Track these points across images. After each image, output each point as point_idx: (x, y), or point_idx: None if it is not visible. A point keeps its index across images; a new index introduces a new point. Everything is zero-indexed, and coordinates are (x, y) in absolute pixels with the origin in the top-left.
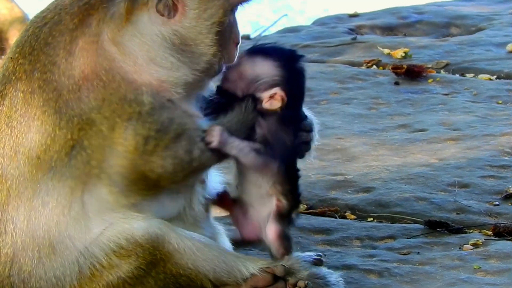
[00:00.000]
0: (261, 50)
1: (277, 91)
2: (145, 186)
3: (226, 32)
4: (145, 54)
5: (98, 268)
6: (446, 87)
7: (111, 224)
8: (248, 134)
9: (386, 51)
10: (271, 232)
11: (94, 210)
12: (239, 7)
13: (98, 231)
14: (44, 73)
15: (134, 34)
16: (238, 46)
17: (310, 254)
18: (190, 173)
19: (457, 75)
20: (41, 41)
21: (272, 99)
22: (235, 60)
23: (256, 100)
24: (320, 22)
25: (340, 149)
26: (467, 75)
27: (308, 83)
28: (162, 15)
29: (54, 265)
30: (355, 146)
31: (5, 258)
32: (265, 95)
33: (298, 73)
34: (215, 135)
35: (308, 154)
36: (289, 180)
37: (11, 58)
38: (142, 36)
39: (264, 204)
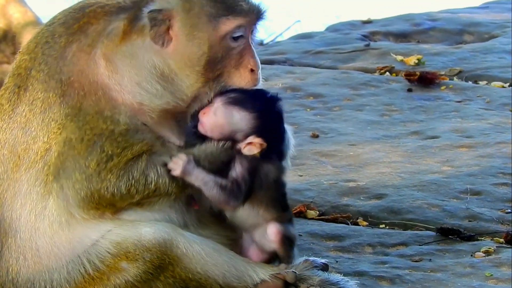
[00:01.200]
0: (236, 100)
1: (254, 139)
2: (97, 205)
3: (230, 60)
4: (132, 77)
5: (97, 273)
6: (459, 94)
7: (109, 231)
8: (221, 168)
9: (399, 58)
10: (273, 232)
11: (65, 218)
12: (244, 33)
13: (92, 238)
14: (38, 72)
15: (126, 55)
16: (257, 72)
17: (317, 259)
18: (149, 197)
19: (470, 83)
20: (43, 39)
21: (250, 146)
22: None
23: (234, 142)
24: (333, 28)
25: (353, 156)
26: (480, 82)
27: (321, 89)
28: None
29: (40, 268)
30: (367, 152)
31: None
32: (243, 143)
33: (275, 118)
34: (179, 164)
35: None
36: (280, 202)
37: (20, 52)
38: (133, 58)
39: (258, 227)
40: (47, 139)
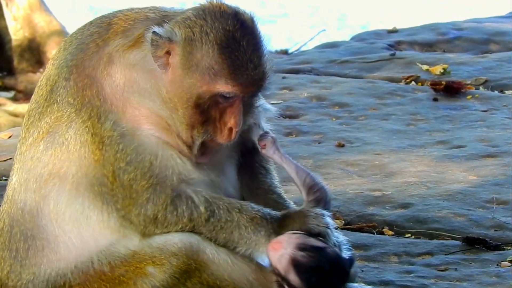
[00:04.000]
0: (303, 261)
1: None
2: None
3: (214, 112)
4: (121, 84)
5: (122, 277)
6: (484, 103)
7: (126, 235)
8: None
9: (425, 67)
10: None
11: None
12: (231, 95)
13: (109, 239)
14: (63, 50)
15: (126, 62)
16: (235, 130)
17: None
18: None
19: (496, 92)
20: (83, 25)
21: None
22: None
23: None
24: (358, 37)
25: (378, 165)
26: (506, 91)
27: (346, 99)
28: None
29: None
30: (393, 162)
31: None
32: None
33: None
34: None
35: None
36: None
37: None
38: (129, 67)
39: None
40: (50, 120)
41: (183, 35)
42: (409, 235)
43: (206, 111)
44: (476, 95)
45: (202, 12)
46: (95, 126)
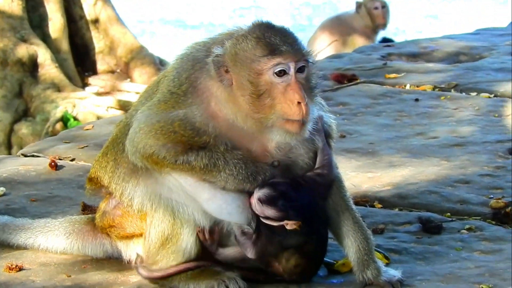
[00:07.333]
0: (268, 198)
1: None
2: None
3: (277, 93)
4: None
5: None
6: (455, 103)
7: None
8: None
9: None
10: None
11: None
12: (280, 71)
13: None
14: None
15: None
16: (303, 104)
17: None
18: None
19: (464, 94)
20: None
21: (288, 225)
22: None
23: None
24: (359, 50)
25: (372, 152)
26: (471, 93)
27: (347, 99)
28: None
29: None
30: (383, 149)
31: None
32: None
33: (304, 208)
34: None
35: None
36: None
37: None
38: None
39: None
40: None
41: (230, 47)
42: (395, 208)
43: (268, 94)
44: (448, 96)
45: (242, 28)
46: None
